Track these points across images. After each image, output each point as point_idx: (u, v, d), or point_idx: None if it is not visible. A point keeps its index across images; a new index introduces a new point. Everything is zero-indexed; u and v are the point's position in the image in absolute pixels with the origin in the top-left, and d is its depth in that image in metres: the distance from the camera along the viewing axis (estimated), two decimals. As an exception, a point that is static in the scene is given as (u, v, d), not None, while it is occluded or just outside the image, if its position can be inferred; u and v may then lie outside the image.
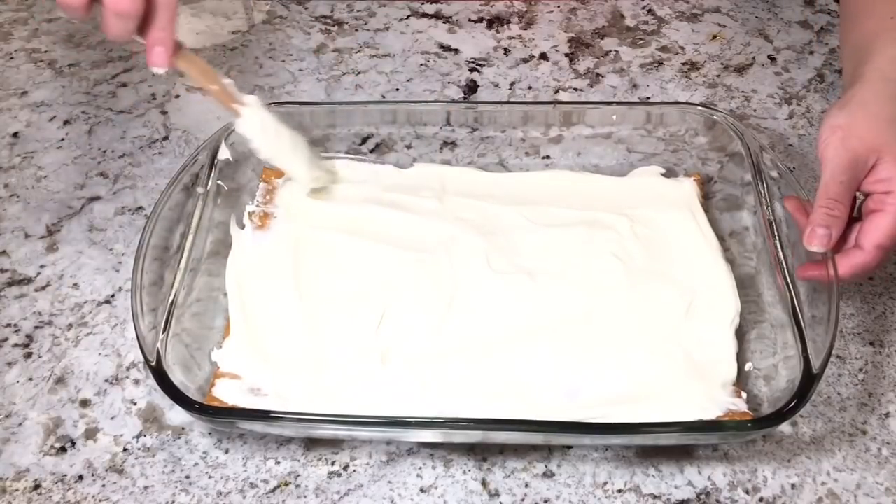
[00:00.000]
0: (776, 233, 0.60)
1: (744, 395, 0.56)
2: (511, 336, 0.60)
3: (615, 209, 0.68)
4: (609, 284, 0.63)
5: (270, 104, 0.67)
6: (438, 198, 0.70)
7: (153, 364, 0.54)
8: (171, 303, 0.58)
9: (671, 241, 0.66)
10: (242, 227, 0.67)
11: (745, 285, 0.63)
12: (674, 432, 0.52)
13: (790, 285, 0.57)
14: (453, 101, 0.83)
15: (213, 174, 0.66)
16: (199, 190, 0.64)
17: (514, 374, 0.58)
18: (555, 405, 0.56)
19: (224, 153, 0.67)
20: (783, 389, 0.54)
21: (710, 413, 0.54)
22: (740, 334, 0.60)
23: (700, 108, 0.71)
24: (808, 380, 0.52)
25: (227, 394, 0.57)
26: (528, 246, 0.66)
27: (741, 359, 0.59)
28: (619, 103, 0.79)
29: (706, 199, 0.70)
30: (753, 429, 0.52)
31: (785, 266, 0.58)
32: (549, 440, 0.56)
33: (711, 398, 0.56)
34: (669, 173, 0.72)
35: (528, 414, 0.53)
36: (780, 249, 0.59)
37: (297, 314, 0.62)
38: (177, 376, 0.54)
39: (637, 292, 0.62)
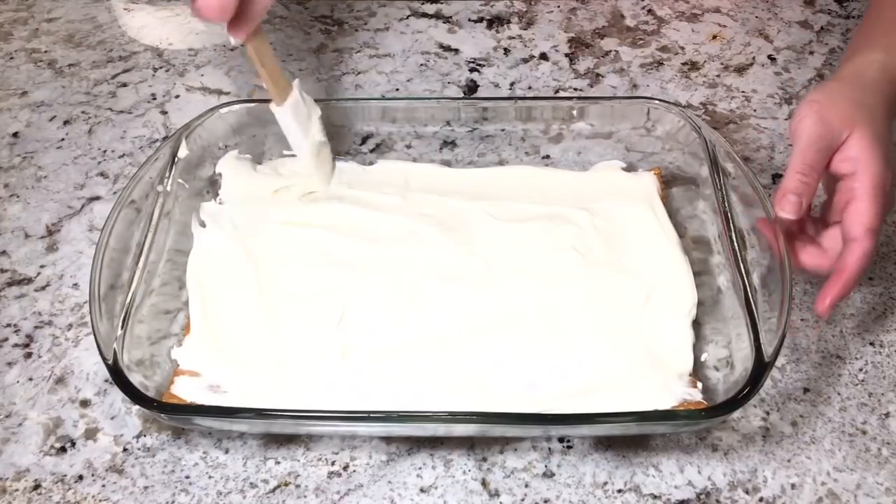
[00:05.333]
0: (731, 224, 0.61)
1: (699, 384, 0.57)
2: (471, 330, 0.60)
3: (576, 203, 0.69)
4: (568, 277, 0.63)
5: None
6: (401, 194, 0.70)
7: (109, 363, 0.54)
8: (129, 302, 0.58)
9: (630, 234, 0.66)
10: (203, 225, 0.67)
11: (704, 277, 0.63)
12: (627, 422, 0.53)
13: (744, 276, 0.57)
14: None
15: (173, 172, 0.66)
16: (159, 188, 0.64)
17: (475, 367, 0.58)
18: (515, 397, 0.56)
19: (184, 151, 0.67)
20: (737, 380, 0.54)
21: (666, 403, 0.55)
22: (697, 325, 0.61)
23: (659, 102, 0.71)
24: (760, 368, 0.52)
25: (185, 391, 0.57)
26: (490, 241, 0.66)
27: (698, 349, 0.59)
28: (579, 98, 0.79)
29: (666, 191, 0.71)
30: (706, 417, 0.52)
31: (739, 257, 0.59)
32: (505, 432, 0.56)
33: (668, 388, 0.56)
34: (630, 168, 0.72)
35: (487, 406, 0.54)
36: (734, 241, 0.59)
37: (258, 311, 0.62)
38: (135, 375, 0.54)
39: (596, 285, 0.63)
